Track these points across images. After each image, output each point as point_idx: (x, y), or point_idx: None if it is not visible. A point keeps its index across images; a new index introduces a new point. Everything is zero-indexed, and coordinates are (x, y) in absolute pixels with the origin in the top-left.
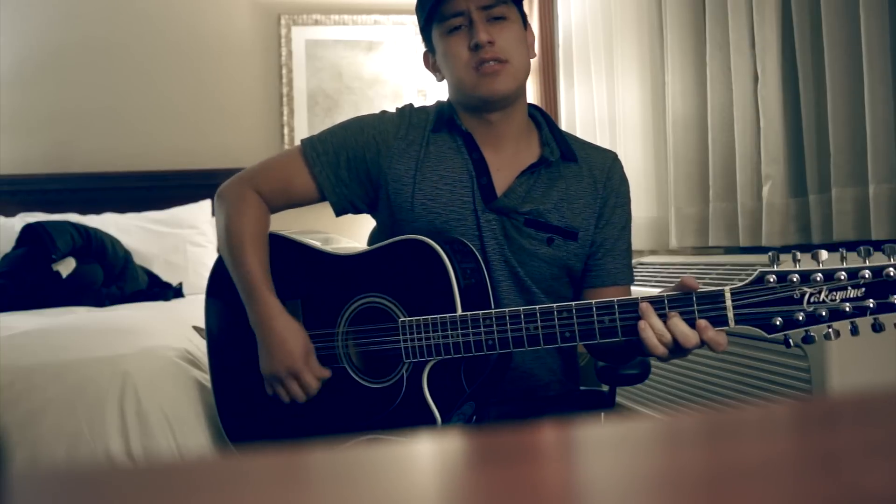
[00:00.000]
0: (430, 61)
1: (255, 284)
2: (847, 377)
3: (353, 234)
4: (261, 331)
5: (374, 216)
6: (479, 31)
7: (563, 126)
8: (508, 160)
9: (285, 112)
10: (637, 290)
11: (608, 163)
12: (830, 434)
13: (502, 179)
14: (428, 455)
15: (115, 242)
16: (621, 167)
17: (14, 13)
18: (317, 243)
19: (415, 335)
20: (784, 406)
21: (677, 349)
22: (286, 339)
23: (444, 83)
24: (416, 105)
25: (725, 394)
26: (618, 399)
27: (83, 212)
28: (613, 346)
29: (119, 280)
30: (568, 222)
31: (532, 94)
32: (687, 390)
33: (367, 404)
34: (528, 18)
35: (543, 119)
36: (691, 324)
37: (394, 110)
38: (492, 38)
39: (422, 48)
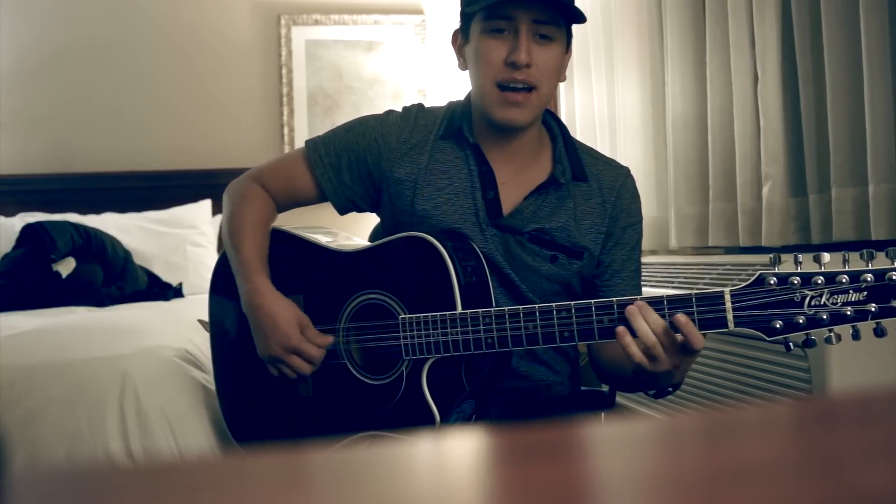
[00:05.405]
0: (459, 43)
1: (245, 266)
2: (847, 377)
3: (357, 230)
4: (251, 313)
5: (378, 214)
6: (521, 51)
7: None
8: (517, 174)
9: (285, 112)
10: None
11: (619, 181)
12: (830, 434)
13: (509, 194)
14: (429, 455)
15: (115, 242)
16: (633, 184)
17: (14, 13)
18: (319, 239)
19: (414, 332)
20: (784, 406)
21: (658, 356)
22: (276, 315)
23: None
24: (426, 105)
25: (725, 394)
26: (618, 399)
27: (83, 212)
28: (623, 373)
29: (119, 280)
30: (575, 241)
31: None
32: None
33: (368, 401)
34: None
35: (559, 130)
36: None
37: (400, 110)
38: (530, 61)
39: (423, 44)
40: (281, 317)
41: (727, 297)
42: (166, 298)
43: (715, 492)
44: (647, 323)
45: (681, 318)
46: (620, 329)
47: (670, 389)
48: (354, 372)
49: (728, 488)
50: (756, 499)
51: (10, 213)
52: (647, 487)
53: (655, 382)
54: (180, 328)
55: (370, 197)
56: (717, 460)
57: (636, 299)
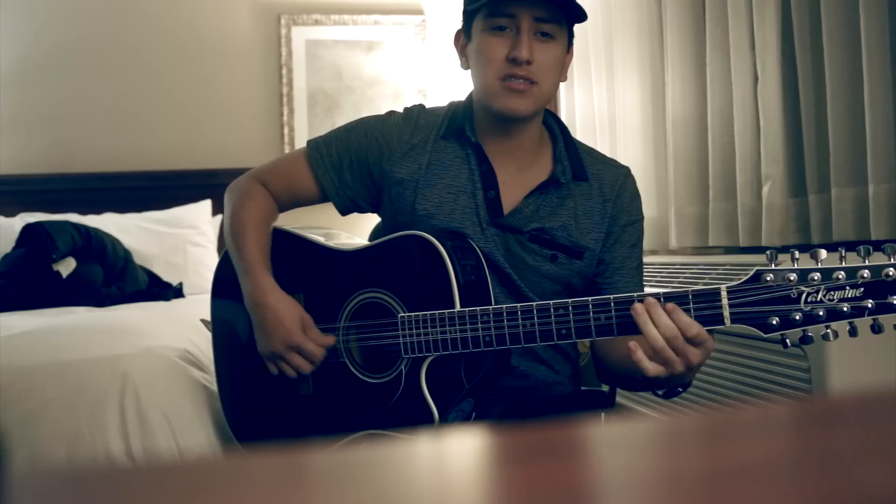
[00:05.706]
0: (462, 43)
1: (249, 264)
2: (847, 377)
3: (357, 230)
4: (254, 310)
5: (378, 214)
6: (522, 47)
7: None
8: (518, 173)
9: (285, 112)
10: None
11: (619, 180)
12: (830, 434)
13: (510, 193)
14: (429, 455)
15: (115, 242)
16: (633, 184)
17: (14, 12)
18: (319, 238)
19: (413, 330)
20: (784, 406)
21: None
22: (279, 312)
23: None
24: (427, 106)
25: (725, 394)
26: (618, 399)
27: (83, 212)
28: (632, 374)
29: (119, 280)
30: (575, 241)
31: None
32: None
33: (367, 400)
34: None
35: (560, 131)
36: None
37: (402, 110)
38: (531, 57)
39: (423, 44)
40: (284, 314)
41: (723, 294)
42: (166, 298)
43: (715, 492)
44: (654, 325)
45: (668, 305)
46: (633, 345)
47: (680, 389)
48: (354, 371)
49: (728, 488)
50: (756, 499)
51: (10, 213)
52: (647, 487)
53: (666, 383)
54: (180, 328)
55: (371, 197)
56: (717, 460)
57: (634, 296)
